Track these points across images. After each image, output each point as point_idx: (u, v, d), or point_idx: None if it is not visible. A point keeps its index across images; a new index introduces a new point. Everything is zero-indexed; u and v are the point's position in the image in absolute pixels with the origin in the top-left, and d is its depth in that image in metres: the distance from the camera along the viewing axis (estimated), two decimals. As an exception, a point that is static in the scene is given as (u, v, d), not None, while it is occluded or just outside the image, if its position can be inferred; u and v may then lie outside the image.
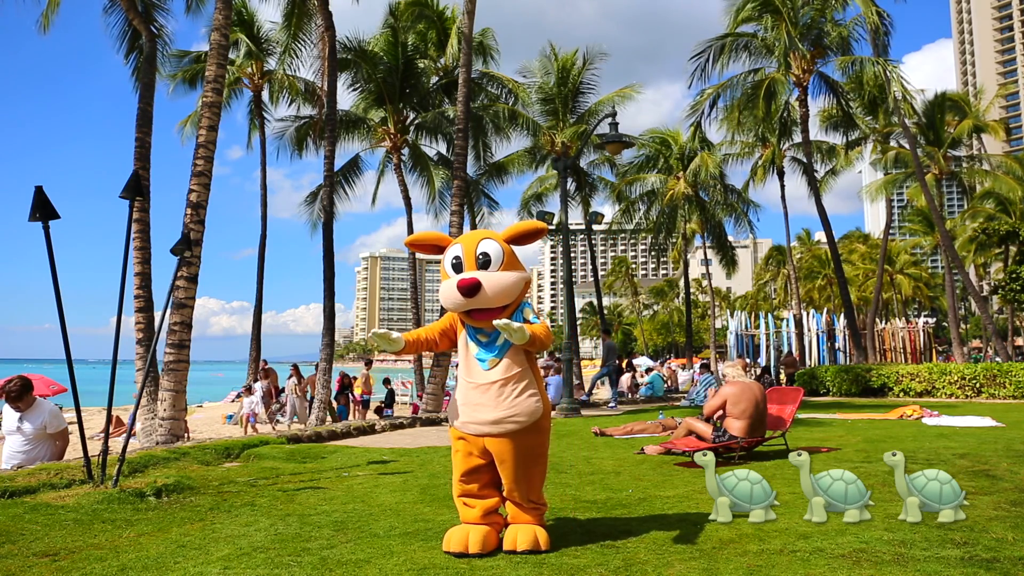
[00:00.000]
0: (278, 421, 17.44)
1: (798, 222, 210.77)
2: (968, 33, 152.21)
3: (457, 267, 3.76)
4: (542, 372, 17.30)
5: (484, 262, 3.72)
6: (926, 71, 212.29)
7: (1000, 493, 5.01)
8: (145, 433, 11.03)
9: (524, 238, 3.90)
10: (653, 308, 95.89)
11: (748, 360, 26.64)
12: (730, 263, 31.67)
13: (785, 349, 28.84)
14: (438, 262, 4.00)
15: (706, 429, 7.11)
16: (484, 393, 3.67)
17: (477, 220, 25.61)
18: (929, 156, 30.44)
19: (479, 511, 3.78)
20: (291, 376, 17.30)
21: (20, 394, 6.06)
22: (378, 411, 17.67)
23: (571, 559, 3.55)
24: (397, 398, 21.92)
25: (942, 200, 32.67)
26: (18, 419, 6.14)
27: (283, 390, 18.11)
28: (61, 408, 16.71)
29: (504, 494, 3.83)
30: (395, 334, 3.76)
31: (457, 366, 3.94)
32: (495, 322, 3.52)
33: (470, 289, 3.59)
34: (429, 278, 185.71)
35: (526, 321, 3.77)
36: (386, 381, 20.18)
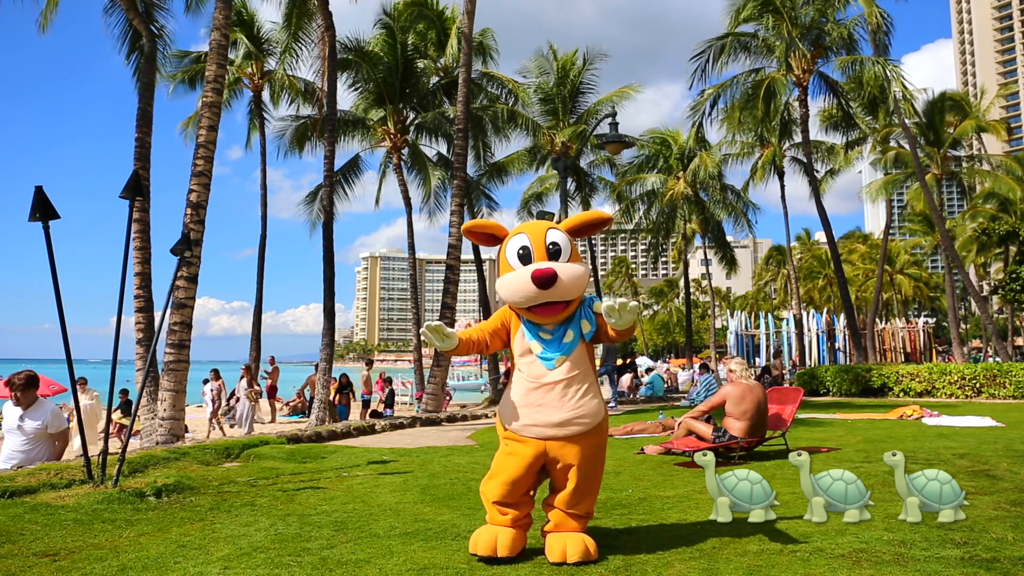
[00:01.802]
0: (230, 426, 16.48)
1: (798, 222, 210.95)
2: (968, 33, 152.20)
3: (524, 258, 3.49)
4: None
5: (554, 252, 3.48)
6: (925, 71, 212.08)
7: (1000, 493, 5.01)
8: (145, 433, 11.04)
9: (586, 229, 3.67)
10: (653, 308, 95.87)
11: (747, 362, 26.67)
12: (730, 263, 31.69)
13: (785, 349, 28.86)
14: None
15: (706, 429, 7.11)
16: (547, 393, 3.47)
17: (477, 220, 25.58)
18: (929, 156, 30.45)
19: (510, 518, 3.58)
20: (242, 378, 16.25)
21: (24, 385, 6.06)
22: (375, 414, 17.49)
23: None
24: (397, 398, 21.90)
25: (942, 200, 32.67)
26: (19, 417, 6.13)
27: (233, 394, 17.01)
28: (61, 408, 16.67)
29: (555, 502, 3.62)
30: (449, 329, 3.48)
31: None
32: (606, 305, 3.29)
33: (547, 279, 3.32)
34: (429, 278, 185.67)
35: (597, 315, 3.58)
36: (388, 381, 20.16)
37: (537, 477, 3.66)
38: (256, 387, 16.51)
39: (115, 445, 8.88)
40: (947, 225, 32.49)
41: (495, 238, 3.69)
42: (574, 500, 3.57)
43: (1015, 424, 9.95)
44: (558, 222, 3.77)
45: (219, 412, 16.53)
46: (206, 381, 17.16)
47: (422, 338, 3.45)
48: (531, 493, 3.71)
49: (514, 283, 3.45)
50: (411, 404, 23.92)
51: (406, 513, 4.75)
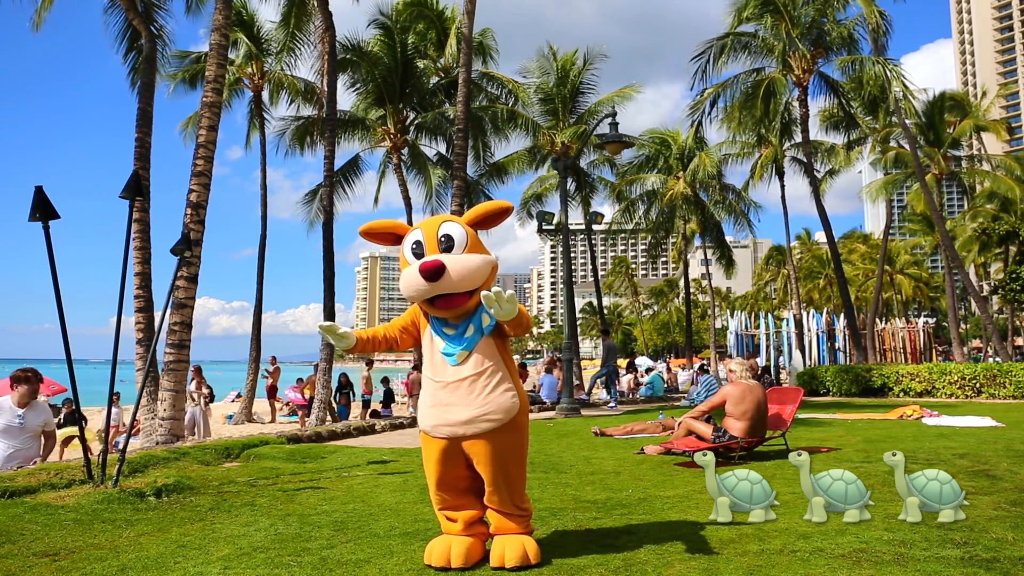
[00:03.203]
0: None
1: (798, 222, 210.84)
2: (968, 33, 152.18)
3: (418, 253, 3.46)
4: (542, 369, 17.08)
5: (447, 246, 3.43)
6: (924, 71, 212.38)
7: (1000, 493, 5.01)
8: (145, 433, 11.04)
9: (487, 221, 3.61)
10: (653, 308, 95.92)
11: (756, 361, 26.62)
12: (727, 264, 31.70)
13: (785, 349, 28.84)
14: None
15: (706, 429, 7.10)
16: (454, 391, 3.39)
17: (477, 220, 25.58)
18: (929, 156, 30.45)
19: (461, 524, 3.55)
20: (191, 379, 14.48)
21: (39, 377, 6.15)
22: (375, 414, 17.43)
23: (571, 559, 3.55)
24: (396, 398, 21.86)
25: (942, 200, 32.68)
26: (18, 416, 6.13)
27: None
28: (60, 408, 16.46)
29: (484, 501, 3.58)
30: (343, 329, 3.46)
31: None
32: (483, 294, 3.22)
33: (434, 272, 3.27)
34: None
35: None
36: (384, 380, 20.14)
37: (467, 474, 3.56)
38: (207, 389, 15.50)
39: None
40: (947, 225, 32.48)
41: (398, 237, 3.64)
42: (496, 497, 3.49)
43: (1015, 424, 9.95)
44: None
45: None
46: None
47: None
48: (475, 495, 3.62)
49: (406, 278, 3.42)
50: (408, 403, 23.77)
51: (406, 513, 4.75)
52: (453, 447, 3.45)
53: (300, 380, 19.13)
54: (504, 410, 3.41)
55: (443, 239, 3.44)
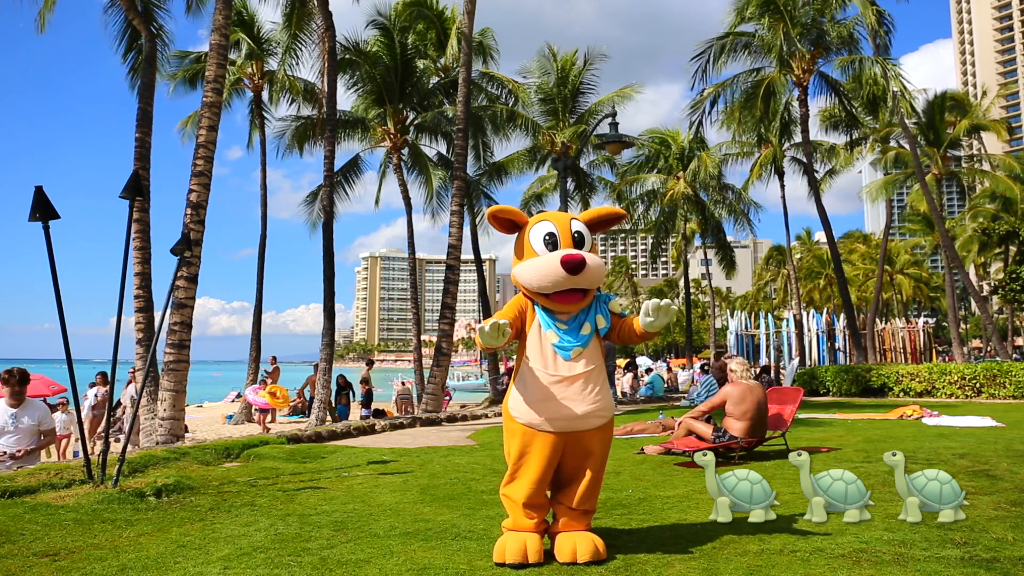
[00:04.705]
0: (116, 440, 11.49)
1: (798, 222, 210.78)
2: (968, 33, 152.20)
3: (550, 243, 3.52)
4: None
5: (579, 240, 3.55)
6: (924, 71, 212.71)
7: (1000, 493, 5.01)
8: (145, 433, 11.04)
9: (602, 224, 3.71)
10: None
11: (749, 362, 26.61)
12: (728, 265, 31.70)
13: (785, 349, 28.84)
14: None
15: (706, 429, 7.11)
16: (569, 387, 3.44)
17: (477, 220, 25.62)
18: (929, 156, 30.44)
19: (539, 519, 3.56)
20: (129, 383, 13.05)
21: (23, 380, 6.13)
22: (377, 413, 17.41)
23: (571, 559, 3.55)
24: (397, 397, 21.79)
25: (942, 200, 32.68)
26: (12, 415, 6.13)
27: (119, 403, 13.01)
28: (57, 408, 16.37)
29: (564, 499, 3.62)
30: (503, 321, 3.34)
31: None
32: (657, 303, 3.33)
33: (577, 265, 3.34)
34: (429, 278, 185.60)
35: (613, 313, 3.61)
36: (364, 381, 19.94)
37: (554, 470, 3.62)
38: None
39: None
40: (947, 225, 32.48)
41: (515, 225, 3.69)
42: (587, 495, 3.58)
43: (1015, 424, 9.95)
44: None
45: (99, 426, 12.84)
46: (92, 385, 13.94)
47: (479, 339, 3.30)
48: (547, 492, 3.70)
49: (541, 267, 3.43)
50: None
51: (406, 513, 4.75)
52: (561, 441, 3.50)
53: (264, 383, 18.71)
54: (609, 408, 3.59)
55: (576, 235, 3.55)
